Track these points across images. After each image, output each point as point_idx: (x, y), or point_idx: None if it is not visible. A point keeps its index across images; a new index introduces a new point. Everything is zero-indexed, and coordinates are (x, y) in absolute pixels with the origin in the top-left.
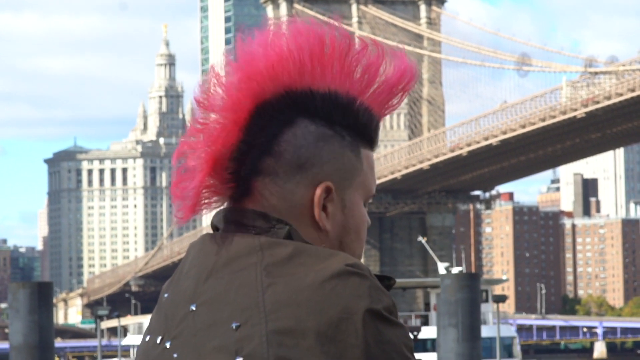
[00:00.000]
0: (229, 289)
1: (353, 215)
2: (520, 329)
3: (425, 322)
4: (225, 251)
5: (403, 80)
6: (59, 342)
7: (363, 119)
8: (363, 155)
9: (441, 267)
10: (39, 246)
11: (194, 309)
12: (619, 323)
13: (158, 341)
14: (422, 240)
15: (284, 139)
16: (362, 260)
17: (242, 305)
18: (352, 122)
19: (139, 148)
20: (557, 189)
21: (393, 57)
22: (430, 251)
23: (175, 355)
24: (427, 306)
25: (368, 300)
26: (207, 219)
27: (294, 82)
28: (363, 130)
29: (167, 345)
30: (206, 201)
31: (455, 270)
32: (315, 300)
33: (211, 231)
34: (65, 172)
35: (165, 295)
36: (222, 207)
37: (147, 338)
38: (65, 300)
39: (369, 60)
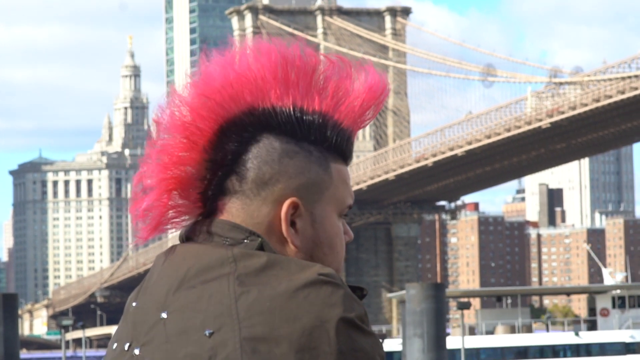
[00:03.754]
0: (201, 297)
1: (325, 229)
2: None
3: (593, 327)
4: (197, 261)
5: (375, 94)
6: (24, 354)
7: (332, 134)
8: (334, 169)
9: (606, 274)
10: (4, 257)
11: (164, 316)
12: None
13: (126, 348)
14: (587, 247)
15: (248, 158)
16: None
17: (214, 313)
18: (320, 138)
19: (104, 159)
20: (523, 199)
21: (362, 71)
22: (595, 257)
23: None
24: (592, 311)
25: (341, 308)
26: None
27: (256, 100)
28: (332, 146)
29: (136, 351)
30: (175, 220)
31: (620, 276)
32: (288, 308)
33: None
34: (30, 184)
35: (134, 304)
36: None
37: (114, 346)
38: (30, 312)
39: (338, 76)
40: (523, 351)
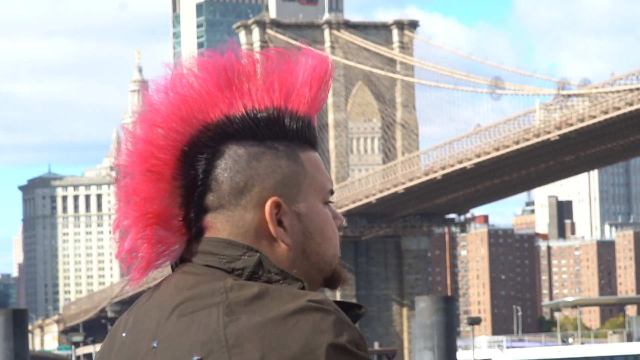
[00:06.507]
0: (190, 325)
1: (312, 220)
2: None
3: None
4: (189, 292)
5: (320, 75)
6: None
7: (291, 125)
8: (304, 158)
9: None
10: (15, 273)
11: (155, 345)
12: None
13: None
14: None
15: (217, 172)
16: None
17: (202, 339)
18: (281, 131)
19: (113, 174)
20: (532, 211)
21: (302, 56)
22: None
23: None
24: None
25: (331, 335)
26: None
27: (207, 115)
28: (295, 136)
29: None
30: (165, 253)
31: None
32: (277, 335)
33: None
34: (39, 199)
35: (124, 334)
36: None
37: None
38: (41, 327)
39: (280, 69)
40: None
